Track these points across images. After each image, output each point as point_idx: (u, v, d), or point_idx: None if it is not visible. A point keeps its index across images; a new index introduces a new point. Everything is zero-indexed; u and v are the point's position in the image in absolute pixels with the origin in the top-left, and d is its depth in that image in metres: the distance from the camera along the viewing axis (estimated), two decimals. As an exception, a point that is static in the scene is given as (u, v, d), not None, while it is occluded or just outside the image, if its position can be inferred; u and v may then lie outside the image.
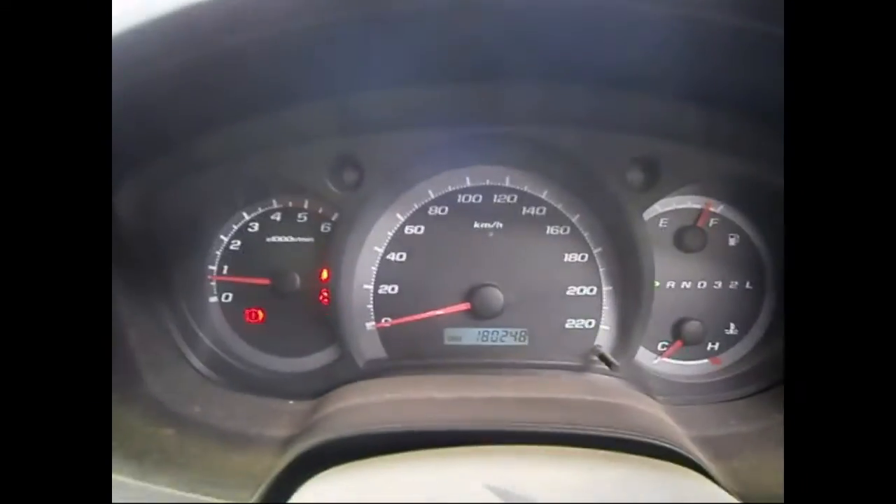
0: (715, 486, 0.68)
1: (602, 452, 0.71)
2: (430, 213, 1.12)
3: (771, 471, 0.82)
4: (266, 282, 1.12)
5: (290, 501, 0.62)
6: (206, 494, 0.71)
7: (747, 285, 1.14)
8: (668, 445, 0.76)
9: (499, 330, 1.14)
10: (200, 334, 1.11)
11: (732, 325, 1.15)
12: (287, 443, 0.85)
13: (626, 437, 0.76)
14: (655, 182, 1.04)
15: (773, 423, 0.97)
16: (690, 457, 0.76)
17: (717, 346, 1.16)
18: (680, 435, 0.86)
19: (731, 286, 1.14)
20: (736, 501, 0.63)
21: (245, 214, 1.13)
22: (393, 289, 1.13)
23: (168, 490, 0.71)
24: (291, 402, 1.04)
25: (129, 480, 0.71)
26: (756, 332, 1.15)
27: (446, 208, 1.13)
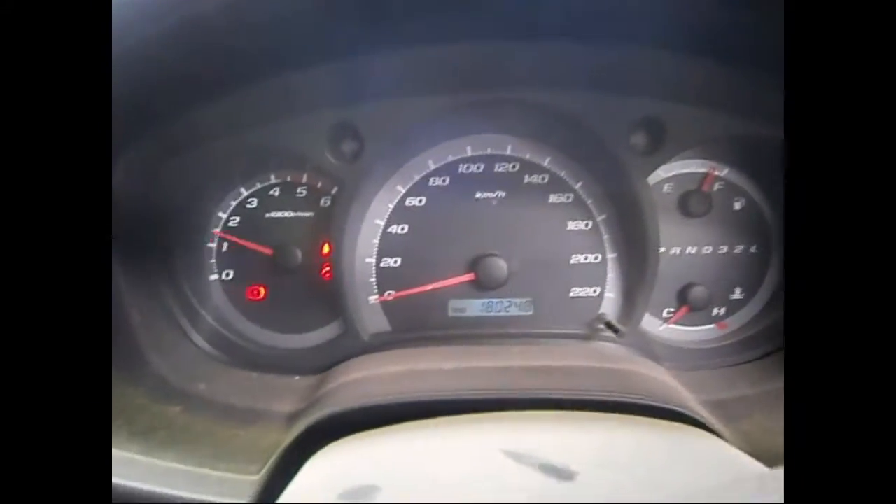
0: (729, 447, 0.68)
1: (614, 416, 0.70)
2: (431, 183, 1.11)
3: (780, 431, 0.82)
4: (269, 252, 1.10)
5: (299, 475, 0.62)
6: (214, 469, 0.71)
7: (752, 249, 1.13)
8: (679, 409, 0.75)
9: (503, 300, 1.13)
10: (202, 312, 1.10)
11: (738, 290, 1.14)
12: (294, 417, 0.85)
13: (637, 401, 0.75)
14: (660, 145, 1.02)
15: (782, 385, 0.97)
16: (701, 419, 0.75)
17: (722, 311, 1.15)
18: (689, 399, 0.85)
19: (736, 250, 1.13)
20: (749, 459, 0.63)
21: (243, 190, 1.11)
22: (395, 261, 1.12)
23: (176, 465, 0.71)
24: (297, 377, 1.03)
25: (137, 457, 0.70)
26: (762, 296, 1.14)
27: (447, 178, 1.11)
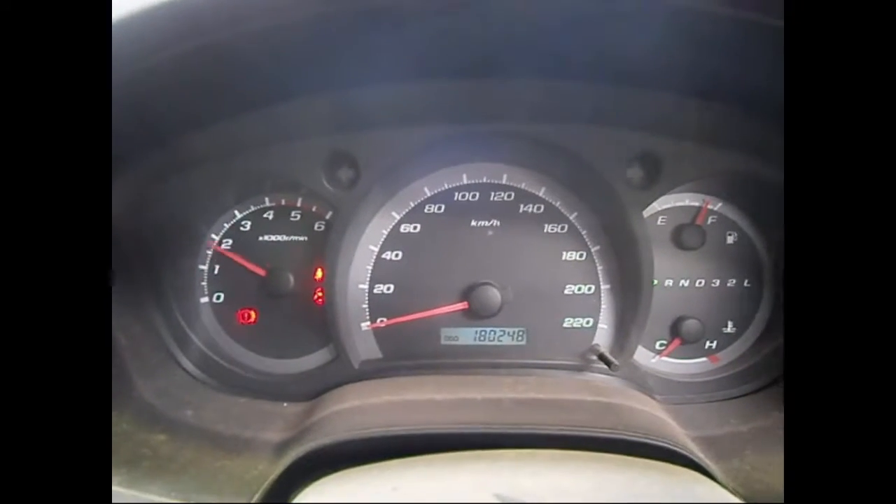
0: (719, 488, 0.67)
1: (605, 455, 0.70)
2: (426, 210, 1.11)
3: (772, 470, 0.82)
4: (262, 272, 1.10)
5: None
6: (201, 502, 0.69)
7: (745, 283, 1.14)
8: (671, 447, 0.75)
9: (496, 329, 1.12)
10: (192, 336, 1.09)
11: (730, 324, 1.14)
12: (282, 447, 0.84)
13: (629, 438, 0.75)
14: (656, 179, 1.02)
15: (773, 421, 0.97)
16: (693, 458, 0.75)
17: (715, 345, 1.15)
18: (681, 435, 0.85)
19: (729, 284, 1.13)
20: (740, 502, 0.62)
21: (237, 213, 1.11)
22: (388, 288, 1.11)
23: (160, 499, 0.69)
24: (285, 404, 1.02)
25: (121, 489, 0.69)
26: (754, 330, 1.15)
27: (442, 206, 1.11)
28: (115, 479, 0.70)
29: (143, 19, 0.58)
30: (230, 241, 1.11)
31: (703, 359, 1.15)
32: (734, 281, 1.13)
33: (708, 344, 1.15)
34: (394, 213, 1.10)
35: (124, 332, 0.94)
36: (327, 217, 1.09)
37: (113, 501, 0.67)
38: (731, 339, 1.15)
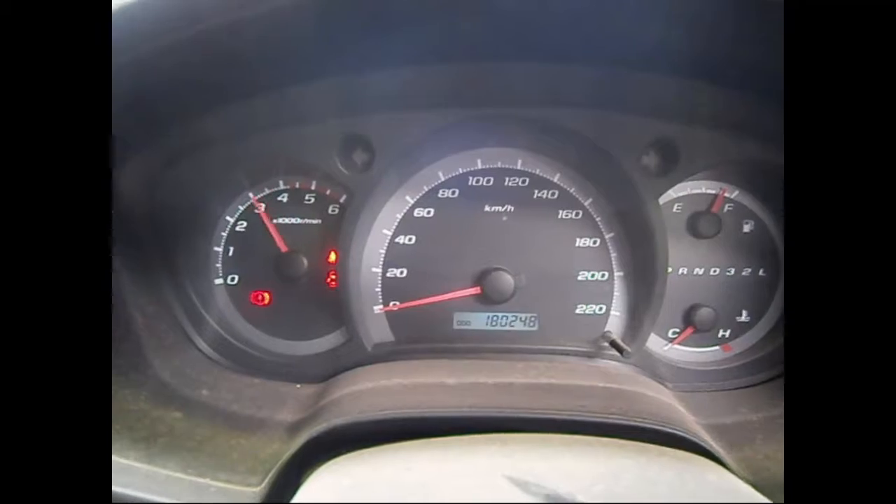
0: (730, 475, 0.67)
1: (616, 441, 0.70)
2: (440, 195, 1.11)
3: (781, 459, 0.82)
4: (283, 248, 1.10)
5: (300, 490, 0.61)
6: (215, 479, 0.71)
7: (761, 272, 1.13)
8: (682, 434, 0.75)
9: (508, 315, 1.12)
10: (206, 316, 1.10)
11: (744, 313, 1.14)
12: (295, 427, 0.85)
13: (640, 424, 0.75)
14: (672, 167, 1.01)
15: (783, 411, 0.97)
16: (704, 445, 0.75)
17: (728, 334, 1.14)
18: (692, 422, 0.85)
19: (744, 273, 1.12)
20: (755, 493, 0.62)
21: (251, 195, 1.11)
22: (401, 272, 1.12)
23: (177, 474, 0.70)
24: (299, 385, 1.03)
25: (137, 464, 0.70)
26: (768, 320, 1.14)
27: (456, 191, 1.11)
28: (130, 456, 0.71)
29: (151, 2, 0.58)
30: (244, 224, 1.12)
31: (716, 347, 1.15)
32: (749, 270, 1.12)
33: (721, 333, 1.14)
34: (407, 198, 1.10)
35: (140, 312, 0.95)
36: (341, 200, 1.09)
37: (130, 477, 0.68)
38: (744, 328, 1.14)
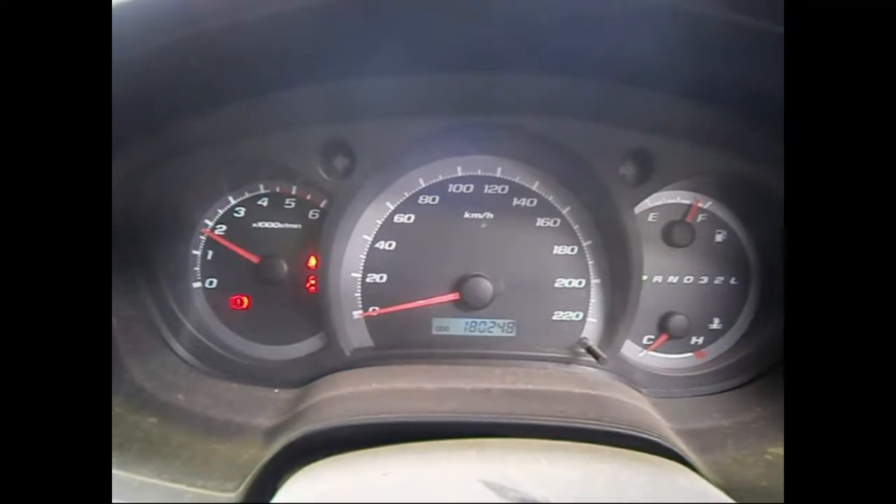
0: (701, 480, 0.69)
1: (591, 446, 0.71)
2: (420, 202, 1.11)
3: (751, 463, 0.84)
4: (256, 259, 1.10)
5: (276, 495, 0.61)
6: (191, 485, 0.70)
7: (732, 280, 1.15)
8: (654, 439, 0.76)
9: (486, 321, 1.13)
10: (184, 320, 1.09)
11: (717, 320, 1.16)
12: (272, 432, 0.84)
13: (614, 430, 0.77)
14: (648, 177, 1.03)
15: (755, 416, 0.99)
16: (677, 450, 0.76)
17: (701, 340, 1.17)
18: (665, 428, 0.87)
19: (716, 281, 1.15)
20: (722, 496, 0.64)
21: (231, 199, 1.11)
22: (381, 277, 1.12)
23: (152, 480, 0.70)
24: (276, 390, 1.03)
25: (113, 470, 0.69)
26: (739, 327, 1.16)
27: (437, 198, 1.12)
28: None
29: (143, 4, 0.58)
30: (224, 227, 1.11)
31: (689, 354, 1.17)
32: (721, 278, 1.15)
33: (694, 339, 1.17)
34: (388, 204, 1.11)
35: (117, 315, 0.95)
36: (322, 205, 1.10)
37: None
38: (716, 335, 1.17)
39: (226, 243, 1.11)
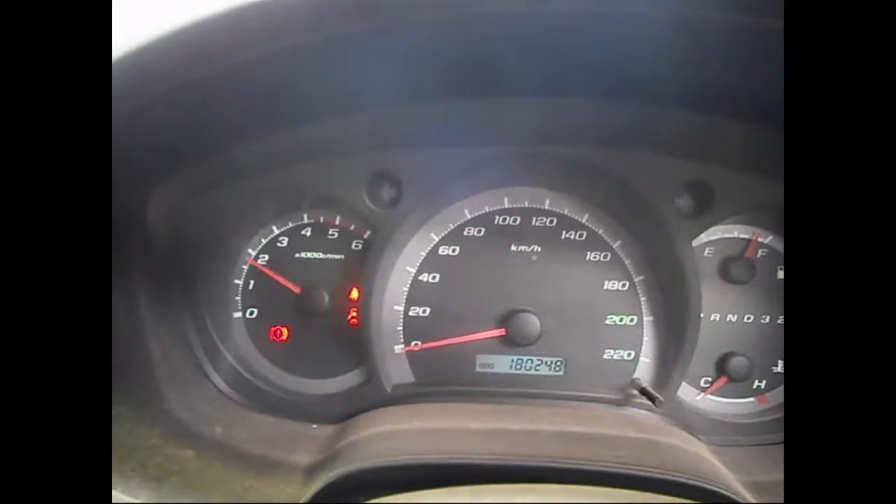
0: None
1: (650, 495, 0.66)
2: (465, 233, 1.09)
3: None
4: (298, 289, 1.08)
5: None
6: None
7: None
8: (722, 491, 0.70)
9: (533, 358, 1.09)
10: (223, 350, 1.07)
11: (781, 363, 1.09)
12: (312, 470, 0.81)
13: (677, 479, 0.71)
14: (707, 209, 0.99)
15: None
16: None
17: (764, 384, 1.09)
18: (733, 480, 0.80)
19: (779, 321, 1.08)
20: None
21: (275, 228, 1.10)
22: (424, 311, 1.09)
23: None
24: (314, 425, 1.00)
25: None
26: (806, 371, 1.09)
27: (483, 229, 1.09)
28: (142, 495, 0.68)
29: (187, 34, 0.58)
30: (266, 257, 1.10)
31: (751, 399, 1.10)
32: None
33: (756, 383, 1.09)
34: (433, 235, 1.09)
35: (159, 343, 0.93)
36: (365, 236, 1.08)
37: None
38: (781, 379, 1.09)
39: (268, 272, 1.09)
